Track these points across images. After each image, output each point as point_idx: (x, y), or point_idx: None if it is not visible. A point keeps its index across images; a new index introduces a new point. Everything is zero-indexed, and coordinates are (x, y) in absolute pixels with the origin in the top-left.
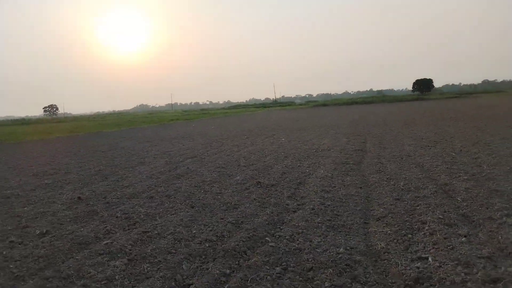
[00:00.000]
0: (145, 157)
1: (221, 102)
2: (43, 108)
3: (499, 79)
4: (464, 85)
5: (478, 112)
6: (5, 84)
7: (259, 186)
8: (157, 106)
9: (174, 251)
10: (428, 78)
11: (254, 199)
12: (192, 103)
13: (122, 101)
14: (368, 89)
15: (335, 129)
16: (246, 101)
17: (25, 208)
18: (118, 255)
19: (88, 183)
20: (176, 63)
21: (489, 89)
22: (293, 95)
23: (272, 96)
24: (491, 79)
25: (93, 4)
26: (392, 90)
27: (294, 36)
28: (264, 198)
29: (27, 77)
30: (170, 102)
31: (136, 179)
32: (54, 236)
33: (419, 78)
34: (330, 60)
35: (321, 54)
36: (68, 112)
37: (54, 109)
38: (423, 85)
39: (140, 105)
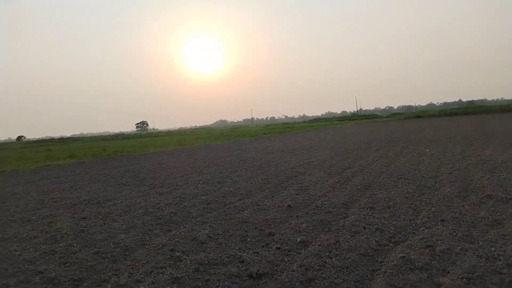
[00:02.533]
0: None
1: (296, 116)
2: (135, 124)
3: None
4: None
5: None
6: (101, 102)
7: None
8: (235, 121)
9: None
10: None
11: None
12: (268, 118)
13: (202, 117)
14: (457, 100)
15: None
16: (322, 114)
17: None
18: None
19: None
20: (251, 80)
21: None
22: (371, 108)
23: (348, 109)
24: None
25: (174, 32)
26: (485, 100)
27: (367, 46)
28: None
29: (120, 95)
30: (246, 117)
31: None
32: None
33: None
34: (406, 67)
35: (397, 61)
36: (156, 128)
37: (145, 125)
38: None
39: (219, 121)
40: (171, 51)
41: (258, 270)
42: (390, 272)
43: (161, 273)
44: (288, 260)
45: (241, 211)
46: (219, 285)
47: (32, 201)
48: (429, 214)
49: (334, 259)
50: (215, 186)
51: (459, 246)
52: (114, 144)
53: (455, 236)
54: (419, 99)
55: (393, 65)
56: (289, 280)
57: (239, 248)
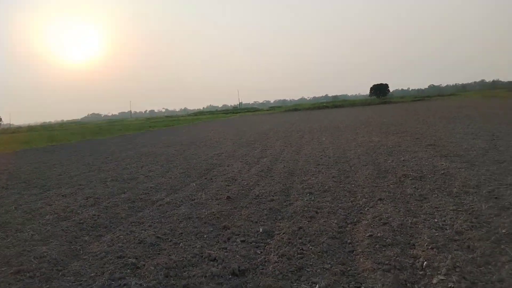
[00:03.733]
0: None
1: (177, 110)
2: None
3: (443, 84)
4: (412, 89)
5: (487, 111)
6: None
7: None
8: (110, 114)
9: None
10: (384, 83)
11: None
12: (147, 111)
13: (70, 111)
14: (324, 95)
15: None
16: (204, 108)
17: None
18: None
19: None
20: (126, 69)
21: (435, 93)
22: (250, 102)
23: (228, 103)
24: (436, 84)
25: (39, 11)
26: (346, 95)
27: (249, 42)
28: None
29: None
30: (122, 110)
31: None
32: None
33: (375, 83)
34: (283, 66)
35: (274, 59)
36: (11, 124)
37: None
38: (380, 90)
39: (91, 114)
40: (30, 34)
41: (239, 267)
42: (368, 251)
43: (124, 284)
44: (262, 252)
45: (177, 207)
46: None
47: None
48: (365, 195)
49: (308, 245)
50: (129, 183)
51: (408, 220)
52: None
53: (399, 212)
54: (292, 94)
55: (269, 63)
56: (280, 272)
57: (201, 246)
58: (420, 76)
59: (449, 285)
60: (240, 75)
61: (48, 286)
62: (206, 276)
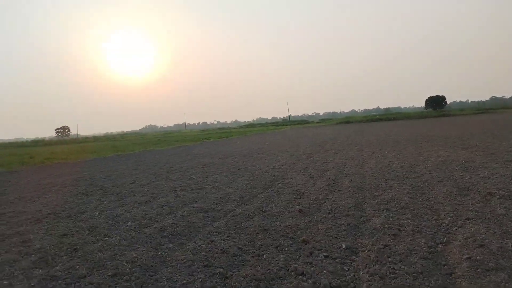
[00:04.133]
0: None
1: (228, 122)
2: (55, 130)
3: (508, 96)
4: (472, 101)
5: None
6: (11, 104)
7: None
8: (166, 126)
9: None
10: (441, 95)
11: None
12: (201, 123)
13: (129, 122)
14: (375, 107)
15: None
16: (253, 120)
17: None
18: None
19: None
20: (182, 83)
21: (499, 105)
22: (299, 114)
23: (277, 115)
24: (498, 95)
25: (100, 29)
26: (399, 108)
27: (295, 56)
28: None
29: (34, 97)
30: (177, 122)
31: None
32: None
33: (431, 95)
34: (330, 77)
35: (322, 71)
36: (79, 134)
37: (66, 130)
38: (436, 102)
39: (148, 126)
40: (95, 50)
41: (330, 283)
42: (470, 275)
43: None
44: (349, 269)
45: (250, 219)
46: None
47: None
48: (449, 213)
49: (400, 264)
50: (198, 192)
51: (508, 243)
52: (39, 151)
53: (495, 234)
54: (342, 107)
55: (319, 74)
56: None
57: (285, 259)
58: (480, 87)
59: None
60: (290, 87)
61: None
62: None
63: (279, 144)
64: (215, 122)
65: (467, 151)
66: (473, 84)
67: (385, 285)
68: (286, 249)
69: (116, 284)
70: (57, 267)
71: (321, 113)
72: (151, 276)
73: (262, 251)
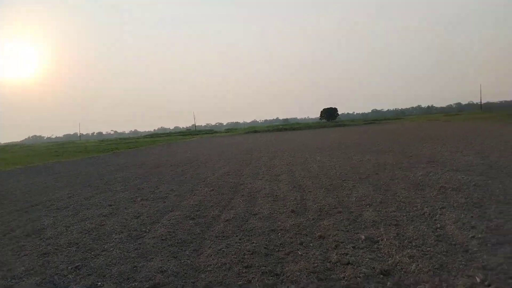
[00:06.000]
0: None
1: (127, 131)
2: None
3: (385, 109)
4: (357, 113)
5: (450, 132)
6: None
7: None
8: (54, 137)
9: None
10: (333, 107)
11: None
12: (95, 133)
13: (7, 134)
14: (275, 118)
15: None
16: (155, 129)
17: None
18: None
19: None
20: (69, 89)
21: (379, 117)
22: (203, 124)
23: (180, 125)
24: (378, 108)
25: None
26: (296, 118)
27: (196, 66)
28: None
29: None
30: (67, 133)
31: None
32: None
33: (324, 107)
34: (232, 89)
35: (225, 83)
36: None
37: None
38: (330, 113)
39: (32, 136)
40: None
41: (381, 268)
42: (484, 250)
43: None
44: (384, 255)
45: (246, 222)
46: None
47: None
48: (423, 205)
49: (423, 247)
50: (164, 201)
51: (487, 223)
52: None
53: (472, 217)
54: (244, 117)
55: (222, 85)
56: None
57: (320, 253)
58: (363, 101)
59: None
60: (193, 96)
61: None
62: (359, 276)
63: (203, 153)
64: (112, 132)
65: (388, 155)
66: (357, 98)
67: (430, 260)
68: (311, 244)
69: None
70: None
71: (224, 123)
72: (193, 282)
73: (291, 249)
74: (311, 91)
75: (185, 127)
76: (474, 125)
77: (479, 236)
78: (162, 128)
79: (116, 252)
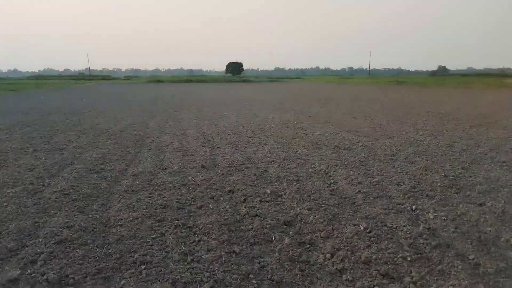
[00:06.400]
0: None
1: (4, 71)
2: None
3: (287, 68)
4: (261, 70)
5: (346, 94)
6: None
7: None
8: None
9: None
10: (239, 62)
11: None
12: None
13: None
14: (180, 68)
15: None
16: (40, 70)
17: None
18: None
19: None
20: None
21: (282, 75)
22: (99, 68)
23: (71, 67)
24: (281, 67)
25: None
26: (201, 70)
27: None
28: None
29: None
30: None
31: None
32: None
33: (231, 61)
34: (138, 33)
35: (124, 25)
36: None
37: None
38: (235, 69)
39: None
40: None
41: (284, 219)
42: (366, 202)
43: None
44: (287, 207)
45: (155, 176)
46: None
47: None
48: (320, 163)
49: (320, 200)
50: (62, 153)
51: (371, 180)
52: None
53: (359, 174)
54: (146, 64)
55: (122, 28)
56: (320, 220)
57: (230, 206)
58: (269, 59)
59: None
60: (87, 36)
61: None
62: (266, 227)
63: (102, 101)
64: None
65: (291, 114)
66: (262, 55)
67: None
68: (222, 198)
69: None
70: None
71: (123, 69)
72: (104, 237)
73: (203, 202)
74: (217, 43)
75: (77, 70)
76: (363, 89)
77: (364, 190)
78: (49, 70)
79: (11, 207)
